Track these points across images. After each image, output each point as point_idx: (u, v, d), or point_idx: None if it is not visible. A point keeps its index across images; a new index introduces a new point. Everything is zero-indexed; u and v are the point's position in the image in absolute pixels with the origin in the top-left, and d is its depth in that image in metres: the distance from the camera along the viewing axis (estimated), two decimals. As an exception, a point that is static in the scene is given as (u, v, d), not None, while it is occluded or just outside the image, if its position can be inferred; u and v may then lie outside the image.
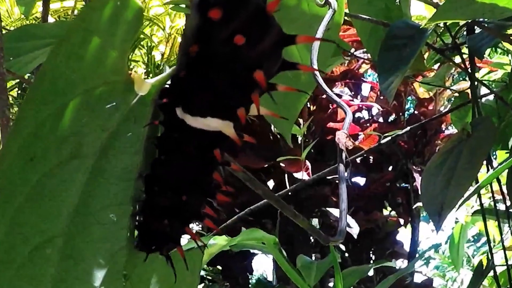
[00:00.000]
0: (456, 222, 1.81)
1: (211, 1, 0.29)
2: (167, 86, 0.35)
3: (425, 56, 1.28)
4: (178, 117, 0.34)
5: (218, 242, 1.26)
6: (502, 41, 1.21)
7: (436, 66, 1.44)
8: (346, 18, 1.38)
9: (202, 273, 2.17)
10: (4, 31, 1.09)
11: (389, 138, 1.38)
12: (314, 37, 0.31)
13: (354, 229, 1.60)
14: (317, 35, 0.78)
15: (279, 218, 1.56)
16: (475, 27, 1.13)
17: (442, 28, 1.16)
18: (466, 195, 0.94)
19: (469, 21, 1.09)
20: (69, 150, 0.34)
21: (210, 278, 2.10)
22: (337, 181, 1.88)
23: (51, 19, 1.38)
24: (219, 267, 2.07)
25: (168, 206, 0.36)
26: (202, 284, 2.14)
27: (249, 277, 2.00)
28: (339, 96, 1.84)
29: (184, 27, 0.33)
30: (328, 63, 1.44)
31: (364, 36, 1.17)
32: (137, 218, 0.37)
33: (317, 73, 0.77)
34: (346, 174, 0.69)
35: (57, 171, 0.33)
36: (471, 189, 0.96)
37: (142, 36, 1.70)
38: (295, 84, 0.87)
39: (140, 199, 0.36)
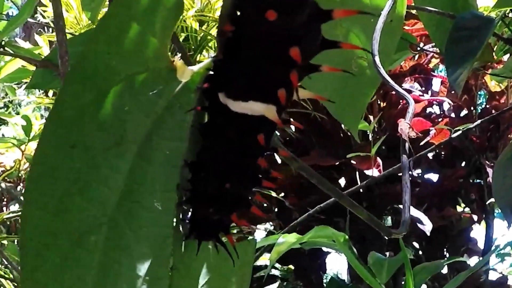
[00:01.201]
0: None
1: None
2: (211, 72, 0.35)
3: (494, 47, 1.25)
4: (221, 102, 0.33)
5: (288, 240, 1.26)
6: None
7: (506, 58, 1.39)
8: (413, 11, 1.36)
9: (276, 272, 2.17)
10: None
11: (460, 132, 1.35)
12: (353, 10, 0.29)
13: (427, 226, 1.57)
14: (377, 27, 0.77)
15: (348, 216, 1.54)
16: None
17: (511, 18, 1.13)
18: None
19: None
20: (113, 137, 0.33)
21: (283, 277, 2.09)
22: (410, 178, 1.85)
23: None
24: (291, 266, 2.06)
25: (214, 194, 0.35)
26: (277, 283, 2.14)
27: (323, 276, 1.98)
28: (409, 91, 1.81)
29: (220, 8, 0.33)
30: (395, 57, 1.42)
31: (430, 28, 1.15)
32: (185, 207, 0.37)
33: (379, 64, 0.76)
34: (409, 164, 0.68)
35: (101, 158, 0.33)
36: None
37: (209, 37, 1.71)
38: (360, 79, 0.86)
39: (187, 187, 0.36)
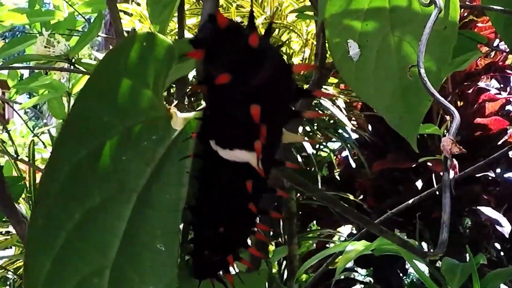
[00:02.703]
0: None
1: (199, 40, 0.29)
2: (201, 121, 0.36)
3: None
4: (213, 149, 0.34)
5: (356, 248, 1.26)
6: None
7: None
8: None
9: (354, 275, 2.16)
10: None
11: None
12: (311, 65, 0.30)
13: (506, 228, 1.53)
14: (423, 38, 0.76)
15: (417, 222, 1.52)
16: None
17: None
18: None
19: None
20: (112, 187, 0.35)
21: (361, 280, 2.08)
22: (489, 178, 1.81)
23: (188, 35, 1.42)
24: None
25: (210, 236, 0.37)
26: (360, 286, 2.13)
27: (402, 279, 1.96)
28: (486, 90, 1.77)
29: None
30: (465, 57, 1.39)
31: (499, 27, 1.12)
32: (188, 246, 0.38)
33: (424, 76, 0.75)
34: (451, 182, 0.67)
35: (102, 207, 0.35)
36: None
37: (280, 43, 1.72)
38: (416, 88, 0.85)
39: (190, 229, 0.38)
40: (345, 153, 2.00)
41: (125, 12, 1.77)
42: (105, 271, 0.35)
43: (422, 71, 0.78)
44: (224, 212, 0.36)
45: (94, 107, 0.34)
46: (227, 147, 0.33)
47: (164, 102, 0.36)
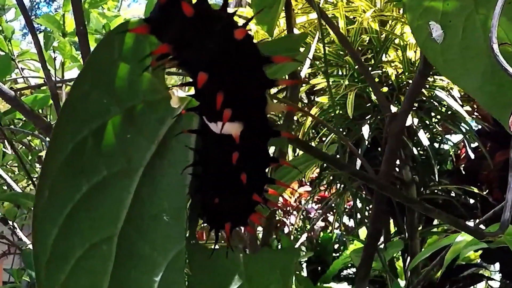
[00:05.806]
0: None
1: (147, 18, 0.32)
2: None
3: None
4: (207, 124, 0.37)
5: (465, 239, 1.23)
6: None
7: None
8: None
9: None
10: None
11: None
12: (287, 58, 0.32)
13: None
14: (496, 10, 0.74)
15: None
16: None
17: None
18: None
19: None
20: (119, 161, 0.38)
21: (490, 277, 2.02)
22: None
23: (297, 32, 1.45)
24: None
25: (209, 206, 0.39)
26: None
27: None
28: None
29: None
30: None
31: None
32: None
33: (496, 49, 0.74)
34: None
35: (109, 180, 0.38)
36: None
37: (393, 36, 1.70)
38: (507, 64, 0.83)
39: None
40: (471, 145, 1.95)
41: (240, 16, 1.81)
42: (114, 239, 0.38)
43: (495, 46, 0.76)
44: (221, 182, 0.38)
45: (92, 91, 0.37)
46: (212, 120, 0.35)
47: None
